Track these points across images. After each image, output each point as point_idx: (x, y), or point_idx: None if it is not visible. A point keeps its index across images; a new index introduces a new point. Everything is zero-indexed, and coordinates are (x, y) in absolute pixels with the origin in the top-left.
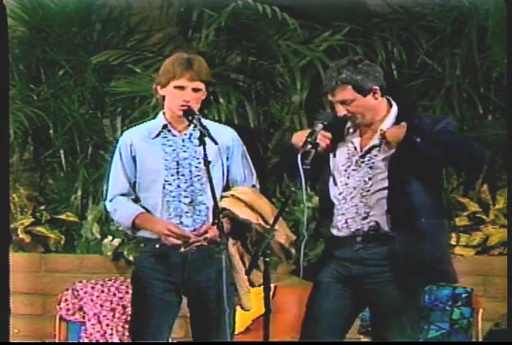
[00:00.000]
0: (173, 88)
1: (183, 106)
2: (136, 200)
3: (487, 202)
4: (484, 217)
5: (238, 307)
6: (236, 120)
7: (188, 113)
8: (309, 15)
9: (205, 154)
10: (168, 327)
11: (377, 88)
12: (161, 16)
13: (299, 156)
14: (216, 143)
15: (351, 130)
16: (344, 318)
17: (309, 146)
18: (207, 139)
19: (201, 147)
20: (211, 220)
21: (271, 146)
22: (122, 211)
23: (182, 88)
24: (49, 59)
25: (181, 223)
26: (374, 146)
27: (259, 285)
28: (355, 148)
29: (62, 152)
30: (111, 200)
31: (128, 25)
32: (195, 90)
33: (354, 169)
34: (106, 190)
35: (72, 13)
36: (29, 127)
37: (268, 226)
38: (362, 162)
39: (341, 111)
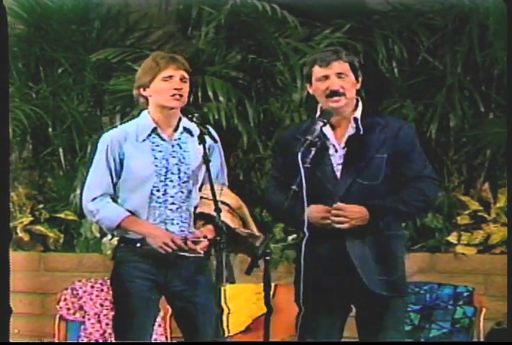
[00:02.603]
0: (161, 80)
1: (173, 95)
2: (115, 201)
3: (489, 200)
4: (485, 215)
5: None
6: (236, 118)
7: (187, 111)
8: (309, 13)
9: (205, 153)
10: (152, 325)
11: (361, 78)
12: (160, 13)
13: (299, 155)
14: (216, 141)
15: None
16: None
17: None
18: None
19: (193, 149)
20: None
21: (271, 145)
22: (106, 212)
23: (170, 77)
24: (48, 57)
25: (166, 229)
26: (350, 137)
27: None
28: (333, 145)
29: (61, 150)
30: (93, 199)
31: (127, 23)
32: (182, 79)
33: (340, 165)
34: (85, 189)
35: (70, 11)
36: (28, 125)
37: (248, 230)
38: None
39: (336, 83)
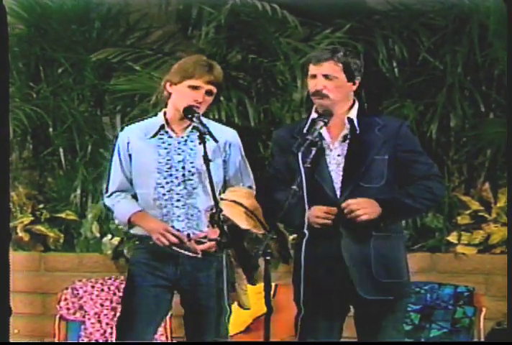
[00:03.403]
0: (187, 87)
1: (192, 106)
2: (135, 197)
3: (489, 200)
4: (486, 215)
5: (236, 306)
6: (237, 118)
7: (187, 111)
8: (309, 12)
9: (205, 152)
10: (157, 324)
11: (359, 80)
12: (160, 13)
13: (299, 155)
14: (216, 141)
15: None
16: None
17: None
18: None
19: (201, 146)
20: (203, 223)
21: (271, 145)
22: (119, 207)
23: (196, 88)
24: (49, 57)
25: (172, 227)
26: (345, 137)
27: (254, 283)
28: (328, 145)
29: (61, 150)
30: (109, 196)
31: (127, 23)
32: (208, 93)
33: (335, 166)
34: (107, 186)
35: (70, 10)
36: (29, 125)
37: (262, 231)
38: (339, 156)
39: (320, 83)
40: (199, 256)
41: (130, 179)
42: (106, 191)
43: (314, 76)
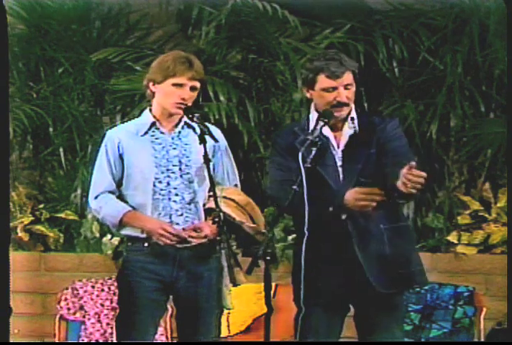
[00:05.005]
0: (171, 85)
1: (179, 103)
2: (122, 198)
3: (489, 200)
4: (486, 215)
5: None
6: (237, 118)
7: (188, 111)
8: (310, 12)
9: (205, 152)
10: (155, 326)
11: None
12: (161, 13)
13: (300, 154)
14: (216, 141)
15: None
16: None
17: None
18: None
19: (195, 141)
20: (202, 218)
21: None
22: (108, 209)
23: (180, 85)
24: (49, 57)
25: (171, 222)
26: (351, 138)
27: (237, 285)
28: (333, 146)
29: (61, 150)
30: (96, 198)
31: (127, 23)
32: (192, 89)
33: (341, 166)
34: (90, 188)
35: (70, 10)
36: (29, 125)
37: (254, 225)
38: (342, 153)
39: (343, 95)
40: (205, 241)
41: (117, 180)
42: (87, 194)
43: (334, 88)
